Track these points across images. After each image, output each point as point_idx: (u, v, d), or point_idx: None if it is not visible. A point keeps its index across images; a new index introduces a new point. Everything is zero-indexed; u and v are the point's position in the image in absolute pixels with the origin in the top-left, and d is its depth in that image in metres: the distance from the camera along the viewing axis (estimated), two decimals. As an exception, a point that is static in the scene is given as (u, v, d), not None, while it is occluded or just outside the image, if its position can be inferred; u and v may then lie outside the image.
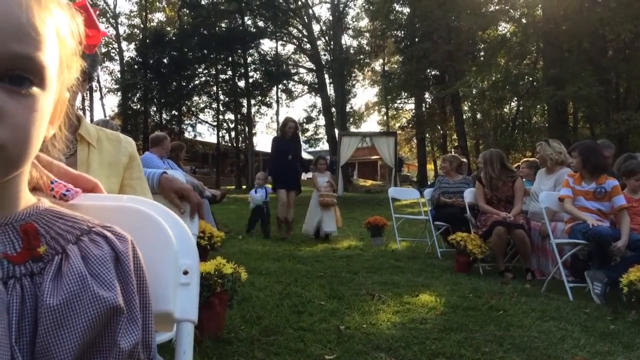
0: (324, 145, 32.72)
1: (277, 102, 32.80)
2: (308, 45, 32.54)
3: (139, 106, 31.79)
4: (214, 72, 31.62)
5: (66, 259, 0.56)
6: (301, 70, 34.56)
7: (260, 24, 31.55)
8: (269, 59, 32.18)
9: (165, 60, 30.60)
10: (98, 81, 31.95)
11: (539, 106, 23.25)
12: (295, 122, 8.36)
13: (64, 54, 0.59)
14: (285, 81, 32.49)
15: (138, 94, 31.34)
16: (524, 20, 22.03)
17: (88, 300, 0.53)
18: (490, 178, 5.51)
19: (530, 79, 22.65)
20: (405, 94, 29.14)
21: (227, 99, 31.96)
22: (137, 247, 0.62)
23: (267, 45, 44.59)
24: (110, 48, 32.24)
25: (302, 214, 8.60)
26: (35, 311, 0.53)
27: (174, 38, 30.90)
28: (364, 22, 33.78)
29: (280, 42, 33.35)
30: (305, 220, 8.24)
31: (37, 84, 0.53)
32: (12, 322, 0.51)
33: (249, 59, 31.30)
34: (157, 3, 34.44)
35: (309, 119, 35.26)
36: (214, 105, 32.14)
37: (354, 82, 34.85)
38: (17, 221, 0.57)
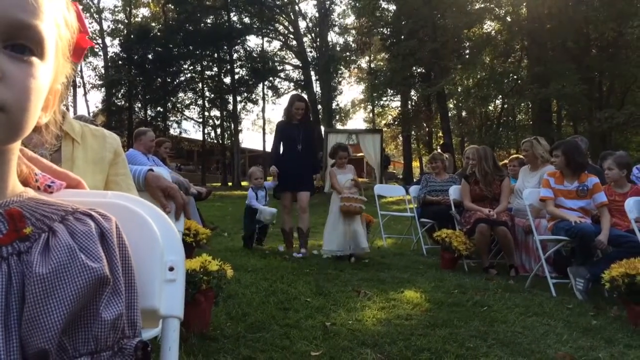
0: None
1: (263, 99, 32.77)
2: (294, 42, 32.47)
3: (123, 102, 31.54)
4: (199, 68, 31.45)
5: (53, 235, 0.57)
6: (287, 67, 34.49)
7: (246, 20, 31.41)
8: (254, 55, 32.09)
9: (150, 56, 30.33)
10: (82, 77, 31.65)
11: (523, 104, 23.48)
12: (305, 102, 6.33)
13: (59, 39, 0.61)
14: (271, 78, 32.38)
15: (122, 90, 31.09)
16: (508, 19, 22.21)
17: (77, 269, 0.54)
18: (485, 173, 5.55)
19: (515, 77, 22.86)
20: (391, 91, 29.22)
21: (212, 95, 31.83)
22: (121, 229, 0.63)
23: (253, 41, 44.36)
24: (94, 43, 31.89)
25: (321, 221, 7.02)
26: (23, 288, 0.53)
27: (158, 34, 30.72)
28: (350, 19, 33.85)
29: (266, 39, 33.32)
30: (324, 236, 5.97)
31: (36, 54, 0.56)
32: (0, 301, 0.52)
33: (235, 56, 31.19)
34: (142, -2, 34.15)
35: (295, 116, 35.11)
36: (200, 102, 32.00)
37: (340, 79, 34.80)
38: (2, 206, 0.58)
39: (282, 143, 6.16)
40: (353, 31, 32.53)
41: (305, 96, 31.77)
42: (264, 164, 6.39)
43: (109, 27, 33.42)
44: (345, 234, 5.61)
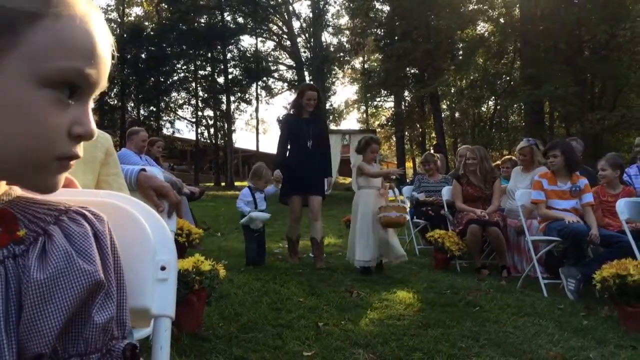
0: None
1: (257, 99, 32.75)
2: (288, 42, 32.46)
3: (115, 101, 31.41)
4: (192, 68, 31.39)
5: (49, 238, 0.57)
6: (281, 67, 34.50)
7: (240, 20, 31.40)
8: (248, 55, 32.10)
9: (143, 56, 30.23)
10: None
11: (516, 105, 23.54)
12: (317, 92, 5.39)
13: None
14: (265, 78, 32.38)
15: (115, 89, 30.93)
16: (502, 20, 22.27)
17: (74, 274, 0.54)
18: (486, 173, 5.56)
19: (508, 78, 22.94)
20: (385, 92, 29.23)
21: (206, 95, 31.76)
22: (111, 228, 0.63)
23: (246, 41, 44.32)
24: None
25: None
26: (20, 292, 0.53)
27: (152, 33, 30.60)
28: (344, 20, 33.84)
29: (260, 39, 33.29)
30: (349, 243, 5.19)
31: None
32: None
33: (229, 55, 31.16)
34: (135, -3, 34.00)
35: (289, 116, 35.09)
36: (193, 102, 31.94)
37: (333, 80, 34.83)
38: None
39: (289, 140, 5.37)
40: (347, 32, 32.53)
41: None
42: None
43: (102, 25, 33.26)
44: (376, 242, 4.87)
